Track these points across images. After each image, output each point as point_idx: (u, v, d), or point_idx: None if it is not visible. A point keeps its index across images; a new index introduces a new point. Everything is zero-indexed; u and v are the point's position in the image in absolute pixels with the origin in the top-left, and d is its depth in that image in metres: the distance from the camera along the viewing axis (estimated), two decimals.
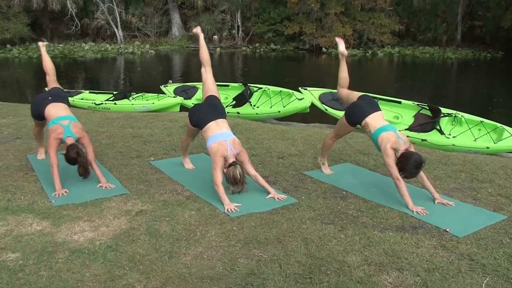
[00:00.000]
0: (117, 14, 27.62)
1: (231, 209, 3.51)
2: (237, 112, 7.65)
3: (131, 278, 2.60)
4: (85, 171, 4.01)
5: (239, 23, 28.16)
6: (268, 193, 3.83)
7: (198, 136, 4.44)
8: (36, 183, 4.12)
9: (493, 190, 3.99)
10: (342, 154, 5.12)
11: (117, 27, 27.97)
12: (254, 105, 7.71)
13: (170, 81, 9.77)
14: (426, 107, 6.67)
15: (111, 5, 27.35)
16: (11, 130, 6.21)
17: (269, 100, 7.77)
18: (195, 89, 8.76)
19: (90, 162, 4.08)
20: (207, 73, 4.31)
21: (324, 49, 25.31)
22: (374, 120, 3.86)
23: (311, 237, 3.09)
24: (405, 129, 6.32)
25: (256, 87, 8.24)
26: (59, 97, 4.40)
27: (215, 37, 27.47)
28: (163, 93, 8.85)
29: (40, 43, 5.05)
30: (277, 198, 3.74)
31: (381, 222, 3.35)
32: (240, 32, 28.47)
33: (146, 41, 28.24)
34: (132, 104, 8.07)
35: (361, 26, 25.40)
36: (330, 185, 4.12)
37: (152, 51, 25.63)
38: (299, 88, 7.70)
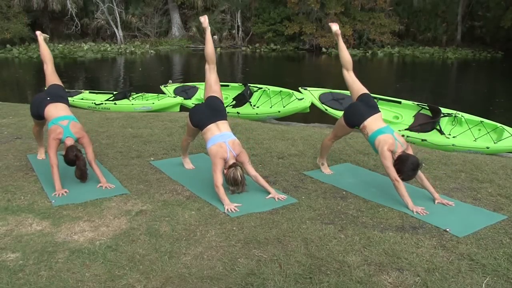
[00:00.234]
0: (117, 14, 27.62)
1: (231, 209, 3.51)
2: (237, 112, 7.65)
3: (131, 278, 2.60)
4: (82, 175, 4.02)
5: (239, 23, 28.16)
6: (268, 193, 3.83)
7: (198, 136, 4.44)
8: (36, 183, 4.12)
9: (493, 190, 3.99)
10: (342, 154, 5.12)
11: (117, 27, 27.97)
12: (254, 105, 7.71)
13: (170, 81, 9.78)
14: (426, 107, 6.67)
15: (111, 5, 27.35)
16: (11, 130, 6.21)
17: (269, 100, 7.77)
18: (195, 89, 8.76)
19: (90, 162, 4.09)
20: (210, 71, 4.23)
21: (324, 49, 25.31)
22: (371, 123, 3.87)
23: (311, 237, 3.08)
24: (405, 129, 6.32)
25: (256, 87, 8.25)
26: (58, 96, 4.38)
27: (215, 37, 27.46)
28: (163, 93, 8.85)
29: (37, 32, 4.97)
30: (277, 198, 3.74)
31: (381, 222, 3.35)
32: (240, 32, 28.48)
33: (146, 41, 28.25)
34: (132, 104, 8.07)
35: (361, 26, 25.40)
36: (330, 185, 4.12)
37: (152, 51, 25.64)
38: (299, 88, 7.70)
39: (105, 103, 8.16)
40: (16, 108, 7.85)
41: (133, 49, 25.62)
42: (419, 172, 3.65)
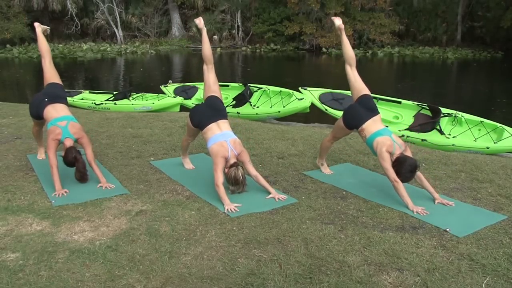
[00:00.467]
0: (117, 14, 27.63)
1: (231, 209, 3.51)
2: (237, 112, 7.65)
3: (131, 278, 2.60)
4: (81, 178, 4.03)
5: (239, 23, 28.17)
6: (269, 193, 3.83)
7: (198, 136, 4.44)
8: (36, 183, 4.12)
9: (493, 190, 3.99)
10: (342, 154, 5.12)
11: (117, 27, 27.98)
12: (254, 105, 7.71)
13: (170, 81, 9.78)
14: (426, 107, 6.67)
15: (111, 5, 27.36)
16: (11, 130, 6.21)
17: (269, 100, 7.77)
18: (195, 89, 8.76)
19: (89, 162, 4.08)
20: (209, 71, 4.23)
21: (324, 49, 25.33)
22: (370, 126, 3.87)
23: (311, 237, 3.08)
24: (405, 129, 6.32)
25: (256, 87, 8.25)
26: (56, 97, 4.32)
27: (215, 37, 27.48)
28: (163, 93, 8.85)
29: (36, 24, 4.84)
30: (278, 198, 3.74)
31: (381, 222, 3.35)
32: (240, 32, 28.48)
33: (146, 41, 28.26)
34: (132, 104, 8.07)
35: (361, 26, 25.42)
36: (330, 185, 4.12)
37: (152, 51, 25.64)
38: (299, 88, 7.70)
39: (105, 103, 8.16)
40: (16, 108, 7.85)
41: (133, 49, 25.62)
42: (419, 173, 3.65)
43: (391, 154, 3.68)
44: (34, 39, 24.98)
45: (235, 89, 8.49)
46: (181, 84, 9.26)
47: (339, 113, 6.77)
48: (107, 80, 15.82)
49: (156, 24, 29.31)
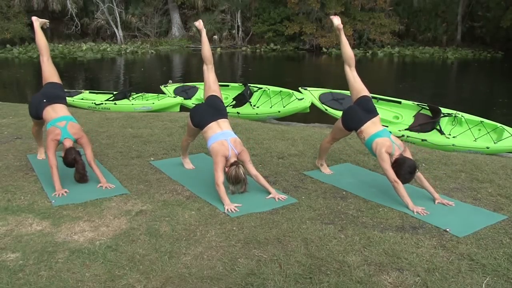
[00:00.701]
0: (117, 14, 27.63)
1: (231, 209, 3.50)
2: (237, 112, 7.64)
3: (131, 278, 2.60)
4: (81, 179, 4.03)
5: (239, 23, 28.17)
6: (269, 193, 3.83)
7: (198, 136, 4.44)
8: (36, 183, 4.12)
9: (493, 190, 3.99)
10: (342, 154, 5.12)
11: (117, 27, 27.98)
12: (254, 105, 7.71)
13: (170, 81, 9.78)
14: (426, 107, 6.67)
15: (111, 5, 27.37)
16: (11, 130, 6.21)
17: (269, 100, 7.77)
18: (195, 89, 8.76)
19: (89, 162, 4.08)
20: (208, 71, 4.25)
21: (324, 49, 25.33)
22: (369, 127, 3.87)
23: (311, 237, 3.08)
24: (405, 129, 6.32)
25: (256, 87, 8.25)
26: (55, 97, 4.29)
27: (215, 37, 27.48)
28: (163, 93, 8.85)
29: (33, 18, 4.67)
30: (278, 198, 3.74)
31: (381, 222, 3.35)
32: (240, 32, 28.48)
33: (146, 41, 28.26)
34: (132, 104, 8.07)
35: (361, 26, 25.42)
36: (330, 185, 4.12)
37: (152, 51, 25.64)
38: (299, 88, 7.70)
39: (105, 103, 8.16)
40: (16, 108, 7.85)
41: (133, 49, 25.62)
42: (419, 173, 3.65)
43: (390, 155, 3.68)
44: (34, 39, 24.98)
45: (235, 89, 8.49)
46: (181, 84, 9.25)
47: (339, 113, 6.77)
48: (107, 80, 15.82)
49: (156, 24, 29.31)
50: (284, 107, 7.42)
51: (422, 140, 6.00)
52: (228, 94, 8.29)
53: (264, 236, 3.10)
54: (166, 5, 29.36)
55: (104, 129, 6.22)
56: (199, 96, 8.45)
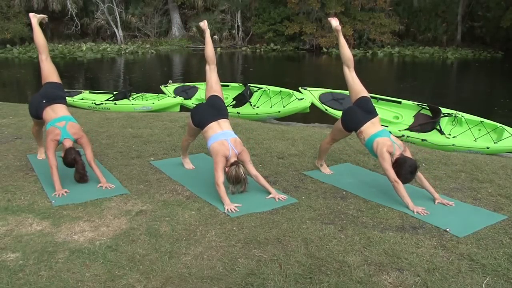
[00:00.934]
0: (117, 14, 27.64)
1: (231, 209, 3.50)
2: (237, 112, 7.65)
3: (131, 278, 2.60)
4: (81, 179, 4.03)
5: (239, 23, 28.17)
6: (269, 193, 3.83)
7: (198, 136, 4.44)
8: (36, 183, 4.12)
9: (493, 190, 3.99)
10: (342, 154, 5.12)
11: (117, 27, 27.98)
12: (254, 105, 7.71)
13: (170, 81, 9.78)
14: (426, 107, 6.67)
15: (111, 5, 27.37)
16: (11, 130, 6.21)
17: (269, 100, 7.77)
18: (195, 89, 8.77)
19: (89, 162, 4.08)
20: (211, 71, 4.27)
21: (324, 49, 25.34)
22: (368, 128, 3.88)
23: (311, 237, 3.08)
24: (405, 129, 6.32)
25: (256, 87, 8.25)
26: (54, 97, 4.28)
27: (215, 37, 27.48)
28: (163, 93, 8.85)
29: (31, 14, 4.56)
30: (278, 198, 3.73)
31: (381, 222, 3.35)
32: (240, 32, 28.49)
33: (146, 41, 28.26)
34: (132, 104, 8.07)
35: (361, 26, 25.43)
36: (330, 185, 4.12)
37: (152, 51, 25.65)
38: (299, 88, 7.70)
39: (105, 103, 8.16)
40: (16, 108, 7.85)
41: (133, 49, 25.61)
42: (419, 173, 3.65)
43: (391, 154, 3.68)
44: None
45: (235, 89, 8.50)
46: (181, 84, 9.26)
47: (339, 113, 6.76)
48: (107, 80, 15.82)
49: (156, 24, 29.31)
50: (284, 107, 7.42)
51: (422, 140, 6.00)
52: (228, 94, 8.29)
53: (264, 236, 3.10)
54: (166, 5, 29.36)
55: (104, 129, 6.22)
56: (199, 96, 8.45)
